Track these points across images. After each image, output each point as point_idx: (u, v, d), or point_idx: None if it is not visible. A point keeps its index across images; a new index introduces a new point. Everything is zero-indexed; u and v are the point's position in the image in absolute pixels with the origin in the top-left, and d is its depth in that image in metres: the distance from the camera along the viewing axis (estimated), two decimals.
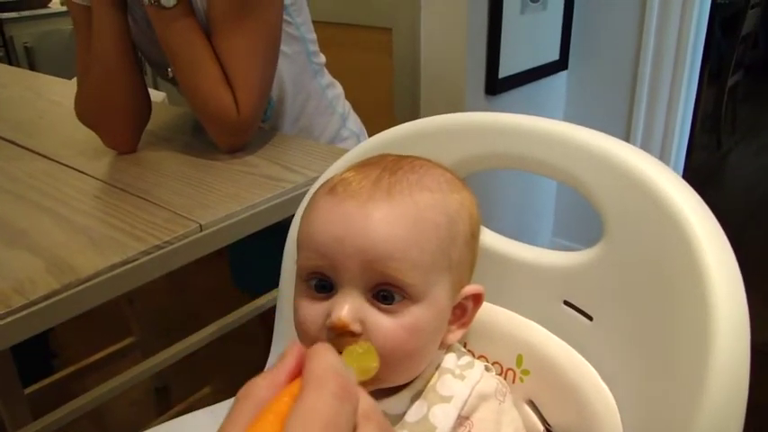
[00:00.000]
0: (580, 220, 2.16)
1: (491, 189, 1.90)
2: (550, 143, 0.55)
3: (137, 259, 0.72)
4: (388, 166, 0.49)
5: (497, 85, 1.77)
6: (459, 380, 0.49)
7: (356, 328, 0.44)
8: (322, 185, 0.49)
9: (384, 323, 0.45)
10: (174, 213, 0.81)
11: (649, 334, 0.49)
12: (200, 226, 0.78)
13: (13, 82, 1.59)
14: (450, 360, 0.51)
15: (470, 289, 0.51)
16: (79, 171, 0.96)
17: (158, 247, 0.74)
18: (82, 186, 0.92)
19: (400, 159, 0.51)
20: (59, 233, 0.77)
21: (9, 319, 0.63)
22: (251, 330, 1.31)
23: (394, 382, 0.48)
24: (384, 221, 0.44)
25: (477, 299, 0.52)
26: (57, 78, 1.56)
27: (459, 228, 0.49)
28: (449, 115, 0.61)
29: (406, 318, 0.45)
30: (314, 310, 0.46)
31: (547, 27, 1.91)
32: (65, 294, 0.66)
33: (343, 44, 1.94)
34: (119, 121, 0.98)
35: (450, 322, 0.51)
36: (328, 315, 0.45)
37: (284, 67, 1.05)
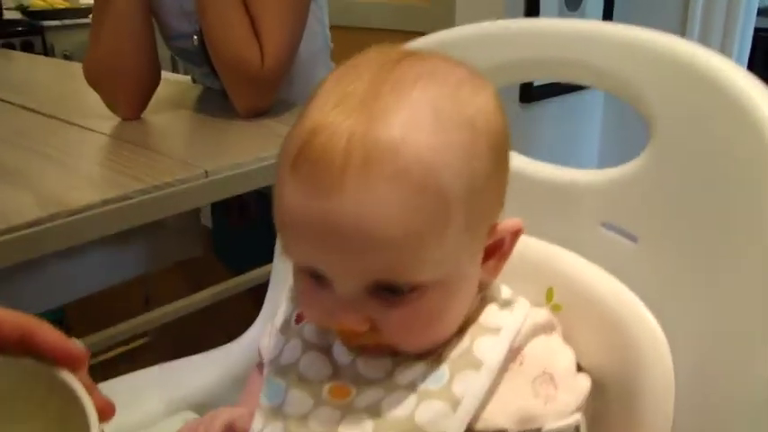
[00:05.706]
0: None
1: None
2: (588, 42, 0.48)
3: (133, 197, 0.67)
4: (366, 99, 0.36)
5: (532, 96, 1.71)
6: (508, 310, 0.42)
7: (363, 328, 0.39)
8: (285, 143, 0.37)
9: (393, 318, 0.38)
10: (180, 161, 0.77)
11: (706, 253, 0.42)
12: (206, 172, 0.73)
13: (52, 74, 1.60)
14: (494, 289, 0.44)
15: (506, 226, 0.42)
16: (83, 127, 0.93)
17: (157, 188, 0.69)
18: (85, 138, 0.89)
19: (380, 90, 0.36)
20: (56, 173, 0.74)
21: None
22: None
23: (423, 349, 0.41)
24: (370, 217, 0.34)
25: (515, 233, 0.43)
26: None
27: (477, 181, 0.37)
28: (479, 24, 0.56)
29: (418, 304, 0.38)
30: (317, 299, 0.40)
31: None
32: (50, 224, 0.62)
33: None
34: (129, 83, 0.95)
35: (485, 260, 0.43)
36: (333, 311, 0.39)
37: (303, 46, 1.02)
